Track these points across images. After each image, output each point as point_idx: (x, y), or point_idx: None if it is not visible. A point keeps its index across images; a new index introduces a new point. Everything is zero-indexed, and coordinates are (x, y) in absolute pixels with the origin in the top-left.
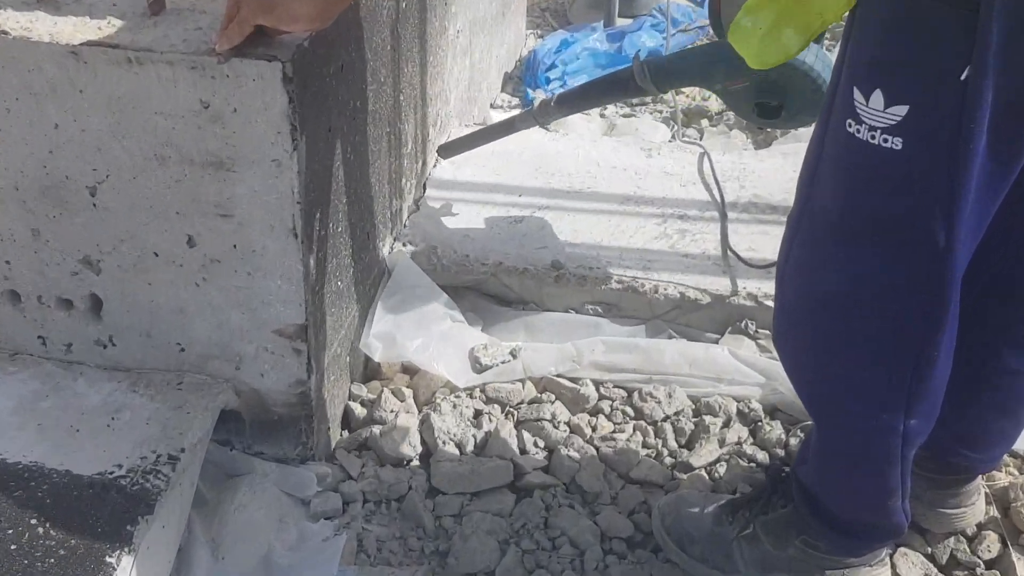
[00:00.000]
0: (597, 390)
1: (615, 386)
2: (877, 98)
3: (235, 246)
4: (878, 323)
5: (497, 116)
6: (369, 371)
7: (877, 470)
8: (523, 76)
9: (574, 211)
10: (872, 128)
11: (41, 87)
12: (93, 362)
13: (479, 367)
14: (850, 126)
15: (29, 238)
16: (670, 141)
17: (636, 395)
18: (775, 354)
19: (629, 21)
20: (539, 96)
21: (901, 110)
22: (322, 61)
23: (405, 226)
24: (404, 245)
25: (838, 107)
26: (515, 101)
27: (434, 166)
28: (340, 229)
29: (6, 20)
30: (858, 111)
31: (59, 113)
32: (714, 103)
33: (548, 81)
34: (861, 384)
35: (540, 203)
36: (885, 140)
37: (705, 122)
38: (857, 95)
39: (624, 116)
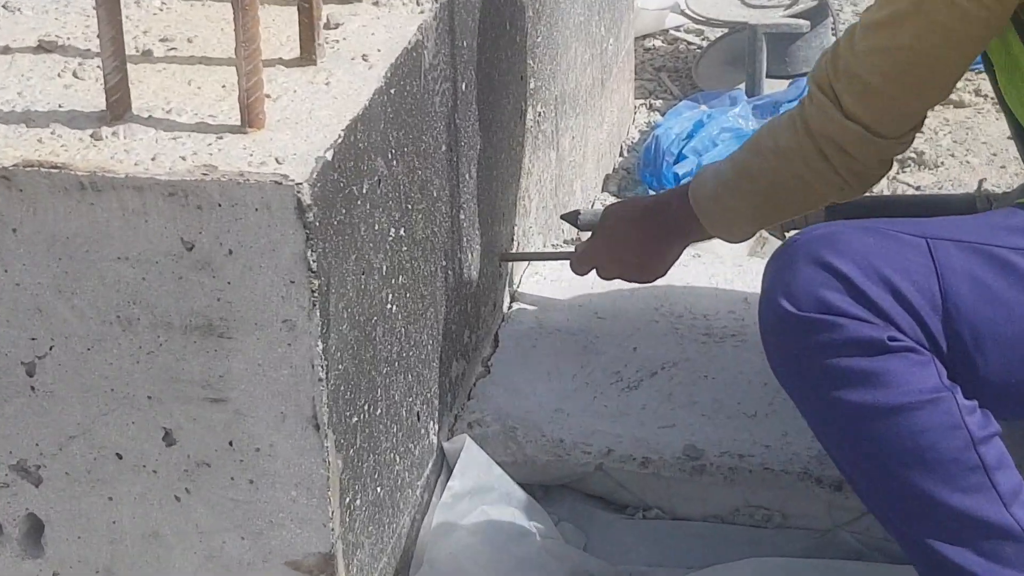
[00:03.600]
0: None
1: None
2: None
3: (231, 443)
4: None
5: None
6: None
7: None
8: (640, 170)
9: (715, 369)
10: None
11: None
12: None
13: None
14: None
15: None
16: None
17: None
18: None
19: (784, 85)
20: None
21: None
22: (351, 178)
23: (470, 398)
24: (469, 427)
25: None
26: None
27: (509, 308)
28: (379, 412)
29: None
30: None
31: None
32: None
33: (678, 179)
34: None
35: (664, 357)
36: None
37: None
38: None
39: (769, 232)
